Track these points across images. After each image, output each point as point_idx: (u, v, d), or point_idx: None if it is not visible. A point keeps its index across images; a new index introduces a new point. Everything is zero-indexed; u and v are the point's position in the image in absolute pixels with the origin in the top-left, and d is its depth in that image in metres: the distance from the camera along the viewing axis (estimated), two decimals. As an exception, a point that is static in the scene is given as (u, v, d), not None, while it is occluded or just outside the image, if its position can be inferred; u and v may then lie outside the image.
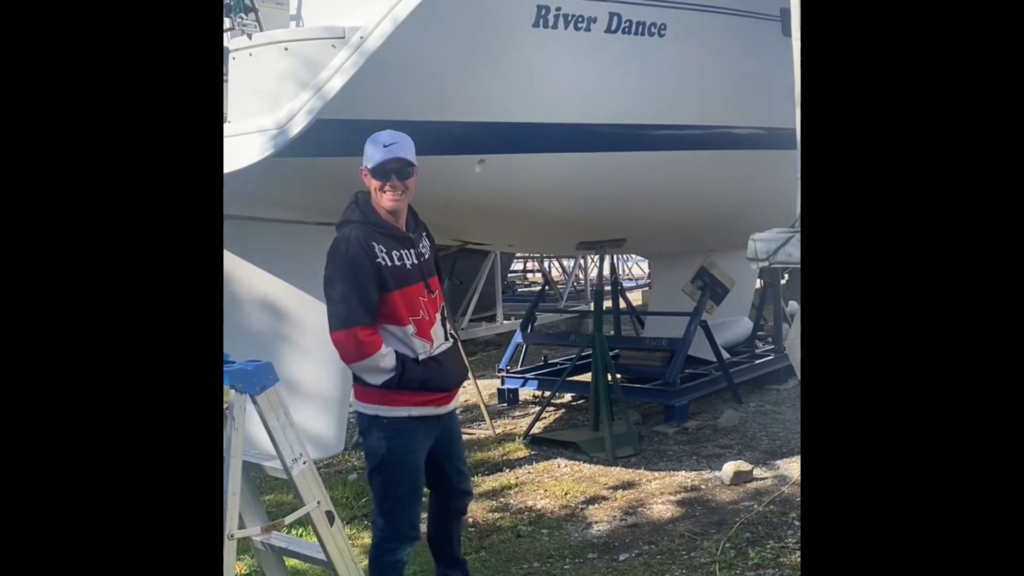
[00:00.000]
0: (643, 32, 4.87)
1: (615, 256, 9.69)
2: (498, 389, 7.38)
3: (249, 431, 2.74)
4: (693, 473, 5.20)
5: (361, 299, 2.94)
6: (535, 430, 6.16)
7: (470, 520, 4.53)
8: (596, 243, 6.25)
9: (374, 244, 2.99)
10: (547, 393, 6.87)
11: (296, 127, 4.08)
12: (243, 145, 4.13)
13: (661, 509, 4.63)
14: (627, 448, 5.65)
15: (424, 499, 3.27)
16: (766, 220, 3.83)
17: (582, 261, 13.11)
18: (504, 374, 7.29)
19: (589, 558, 4.06)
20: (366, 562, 3.23)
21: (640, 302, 11.18)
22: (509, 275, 13.64)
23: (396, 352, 3.00)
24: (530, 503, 4.84)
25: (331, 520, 2.84)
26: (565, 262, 14.29)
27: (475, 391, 6.37)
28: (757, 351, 7.89)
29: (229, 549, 2.60)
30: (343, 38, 4.09)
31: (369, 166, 3.04)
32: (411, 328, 3.03)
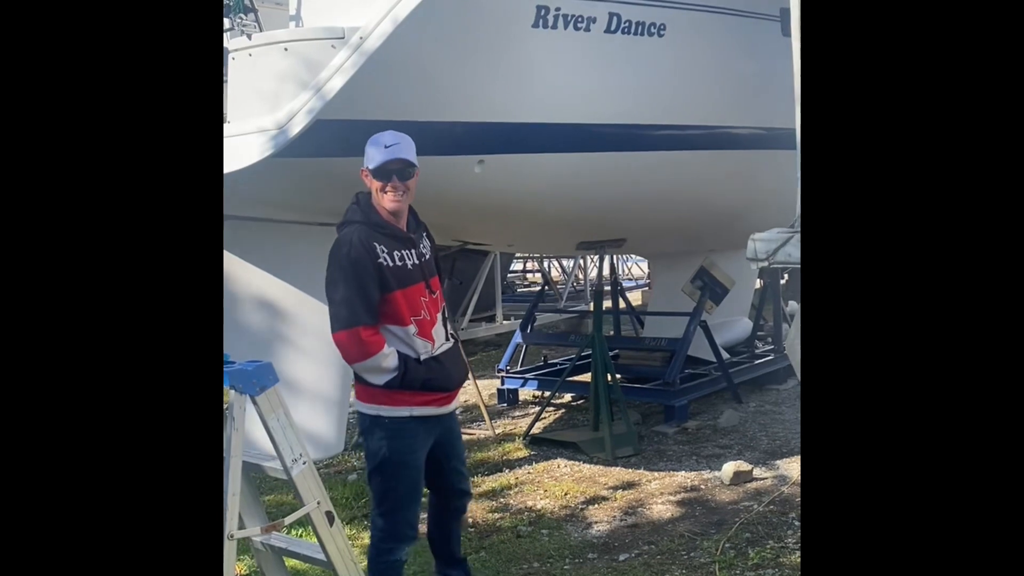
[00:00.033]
0: (643, 32, 4.87)
1: (615, 256, 9.68)
2: (498, 389, 7.38)
3: (249, 431, 2.74)
4: (693, 473, 5.20)
5: (363, 299, 2.94)
6: (535, 430, 6.16)
7: (470, 520, 4.53)
8: (596, 243, 6.25)
9: (376, 244, 2.99)
10: (547, 393, 6.87)
11: (296, 127, 4.08)
12: (243, 145, 4.13)
13: (661, 509, 4.63)
14: (627, 448, 5.65)
15: (424, 499, 3.28)
16: (766, 220, 3.83)
17: (582, 261, 13.11)
18: (504, 374, 7.29)
19: (589, 558, 4.06)
20: (366, 562, 3.24)
21: (640, 302, 11.18)
22: (509, 275, 13.64)
23: (398, 352, 3.01)
24: (530, 503, 4.84)
25: (331, 520, 2.84)
26: (565, 262, 14.29)
27: (475, 391, 6.37)
28: (757, 351, 7.89)
29: (229, 549, 2.60)
30: (343, 38, 4.09)
31: (370, 167, 3.05)
32: (413, 328, 3.04)
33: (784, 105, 3.67)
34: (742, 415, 6.45)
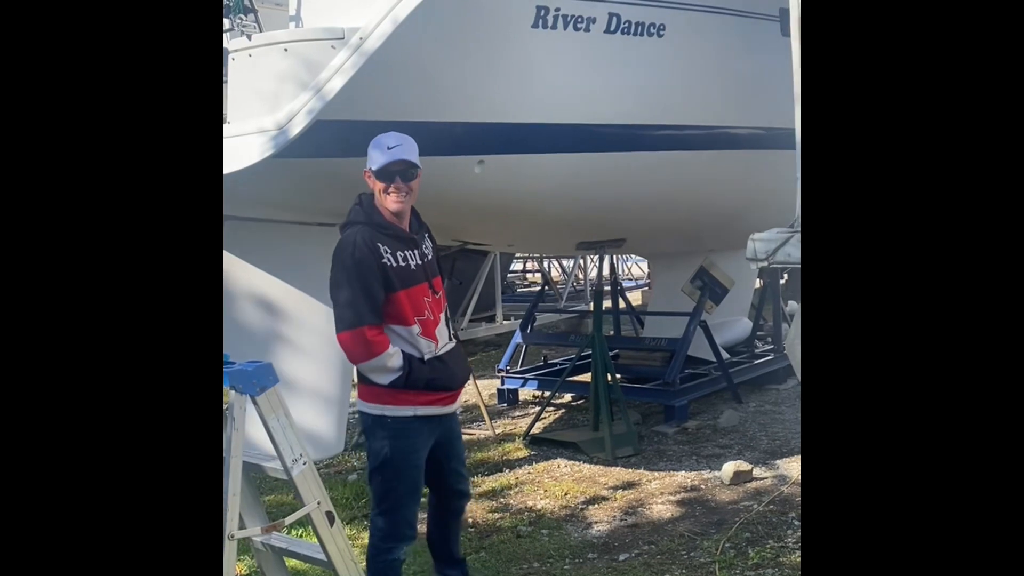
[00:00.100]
0: (642, 32, 4.87)
1: (614, 256, 9.69)
2: (498, 389, 7.38)
3: (249, 432, 2.74)
4: (693, 473, 5.21)
5: (368, 299, 2.96)
6: (535, 430, 6.16)
7: (470, 520, 4.54)
8: (596, 243, 6.25)
9: (379, 245, 3.01)
10: (547, 393, 6.87)
11: (296, 128, 4.08)
12: (243, 146, 4.13)
13: (661, 509, 4.63)
14: (627, 448, 5.65)
15: (423, 499, 3.28)
16: (765, 220, 3.83)
17: (581, 261, 13.11)
18: (504, 374, 7.29)
19: (589, 558, 4.06)
20: (365, 562, 3.24)
21: (640, 302, 11.18)
22: (509, 275, 13.64)
23: (402, 352, 3.02)
24: (530, 503, 4.84)
25: (331, 521, 2.84)
26: (564, 262, 14.29)
27: (475, 391, 6.37)
28: (756, 351, 7.89)
29: (229, 549, 2.60)
30: (343, 39, 4.09)
31: (373, 168, 3.06)
32: (416, 328, 3.05)
33: (783, 105, 3.67)
34: (742, 415, 6.45)
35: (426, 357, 3.07)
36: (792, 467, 5.15)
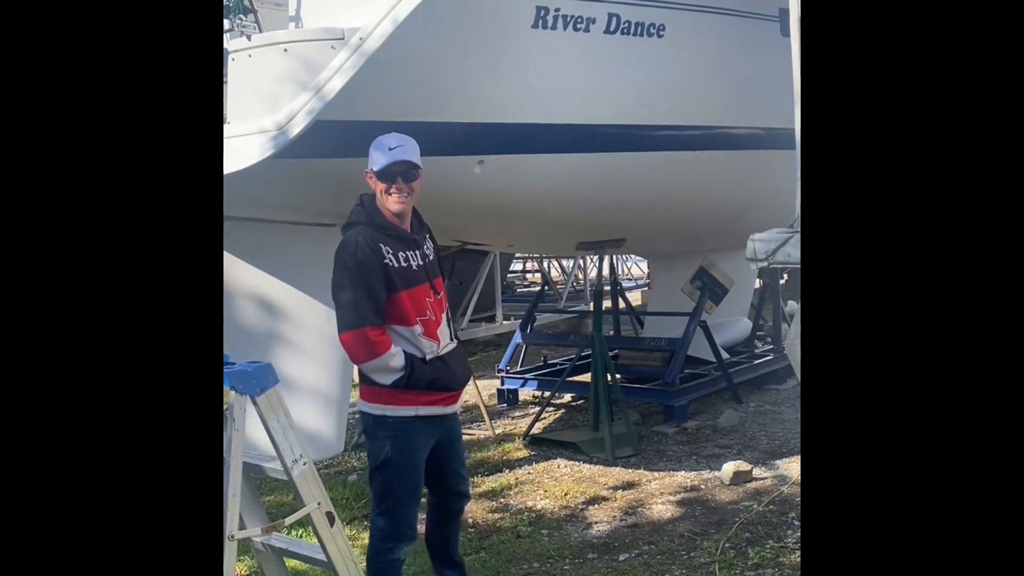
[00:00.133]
0: (642, 33, 4.88)
1: (614, 256, 9.68)
2: (498, 389, 7.38)
3: (249, 432, 2.74)
4: (693, 473, 5.21)
5: (370, 300, 2.97)
6: (535, 430, 6.16)
7: (470, 521, 4.54)
8: (596, 243, 6.25)
9: (381, 246, 3.02)
10: (547, 393, 6.88)
11: (296, 128, 4.08)
12: (243, 146, 4.13)
13: (661, 509, 4.63)
14: (627, 448, 5.65)
15: (422, 499, 3.28)
16: (765, 220, 3.84)
17: (581, 261, 13.11)
18: (504, 374, 7.29)
19: (589, 558, 4.06)
20: (365, 562, 3.24)
21: (639, 302, 11.18)
22: (508, 275, 13.63)
23: (404, 352, 3.03)
24: (530, 503, 4.84)
25: (331, 521, 2.84)
26: (564, 262, 14.29)
27: (475, 391, 6.37)
28: (756, 351, 7.89)
29: (230, 550, 2.60)
30: (342, 39, 4.09)
31: (375, 169, 3.07)
32: (418, 328, 3.06)
33: (783, 105, 3.68)
34: (742, 415, 6.46)
35: (428, 357, 3.09)
36: (792, 467, 5.15)
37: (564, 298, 11.95)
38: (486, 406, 6.46)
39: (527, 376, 7.18)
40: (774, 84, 4.89)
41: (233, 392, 2.68)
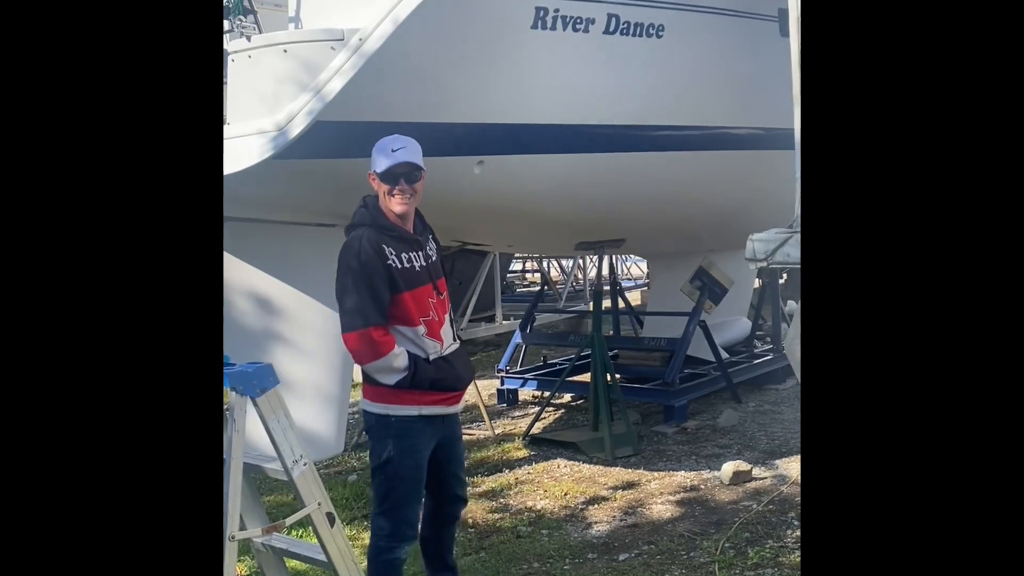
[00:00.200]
0: (641, 33, 4.88)
1: (614, 256, 9.69)
2: (497, 389, 7.38)
3: (249, 433, 2.75)
4: (692, 473, 5.21)
5: (374, 300, 2.98)
6: (535, 430, 6.17)
7: (470, 521, 4.54)
8: (595, 243, 6.25)
9: (384, 247, 3.04)
10: (546, 393, 6.88)
11: (296, 129, 4.08)
12: (243, 147, 4.13)
13: (660, 509, 4.64)
14: (626, 448, 5.66)
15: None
16: (764, 220, 3.84)
17: (581, 261, 13.12)
18: (503, 374, 7.29)
19: (589, 558, 4.06)
20: (366, 562, 3.24)
21: (639, 302, 11.19)
22: (508, 275, 13.64)
23: (408, 352, 3.04)
24: (530, 503, 4.84)
25: (331, 521, 2.84)
26: (564, 262, 14.29)
27: (474, 391, 6.37)
28: (756, 351, 7.89)
29: (230, 550, 2.61)
30: (342, 40, 4.09)
31: (378, 171, 3.09)
32: (422, 329, 3.07)
33: (782, 105, 3.68)
34: (741, 415, 6.46)
35: (431, 357, 3.10)
36: (791, 467, 5.16)
37: (564, 298, 11.96)
38: (486, 406, 6.47)
39: (527, 376, 7.19)
40: (773, 84, 4.89)
41: (233, 393, 2.68)
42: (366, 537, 4.10)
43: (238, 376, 2.67)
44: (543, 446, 5.95)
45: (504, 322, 9.79)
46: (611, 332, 7.70)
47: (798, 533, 4.08)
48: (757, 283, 8.68)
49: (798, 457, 5.08)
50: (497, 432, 6.34)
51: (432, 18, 4.13)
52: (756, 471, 5.08)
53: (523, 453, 5.83)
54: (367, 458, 3.20)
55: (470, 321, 9.44)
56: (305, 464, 2.79)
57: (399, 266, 3.04)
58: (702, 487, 4.95)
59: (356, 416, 6.41)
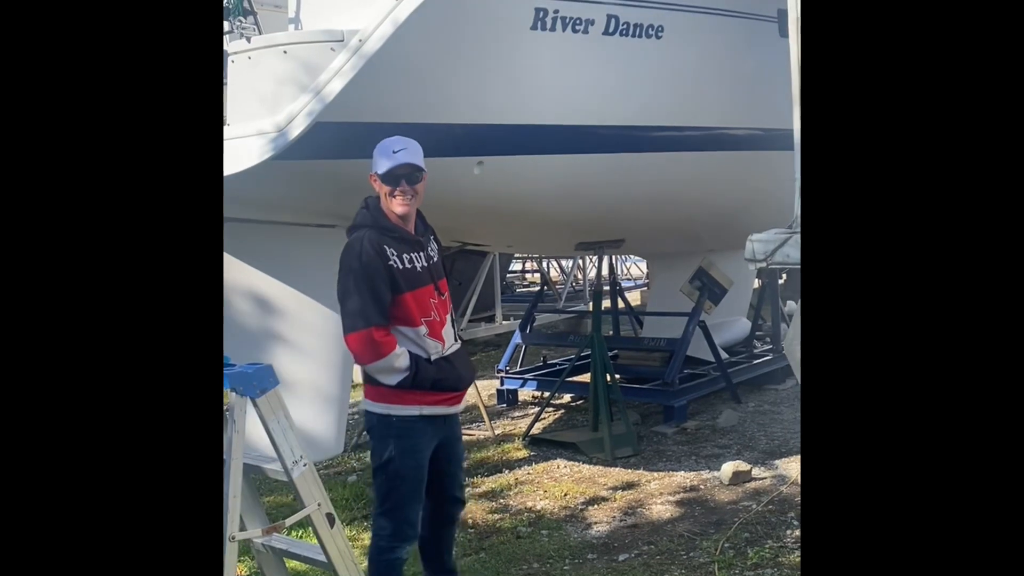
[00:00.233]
0: (641, 34, 4.88)
1: (613, 256, 9.69)
2: (497, 390, 7.39)
3: (249, 433, 2.75)
4: (692, 473, 5.21)
5: (375, 301, 3.00)
6: (534, 431, 6.17)
7: (469, 521, 4.54)
8: (595, 244, 6.26)
9: (386, 248, 3.05)
10: (546, 394, 6.88)
11: (295, 130, 4.08)
12: (242, 148, 4.13)
13: (660, 509, 4.64)
14: (626, 448, 5.66)
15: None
16: (763, 221, 3.84)
17: (580, 261, 13.12)
18: (503, 375, 7.30)
19: (589, 559, 4.07)
20: (367, 563, 3.24)
21: (639, 302, 11.19)
22: (508, 275, 13.64)
23: (409, 352, 3.05)
24: (530, 504, 4.84)
25: (331, 522, 2.84)
26: (564, 262, 14.30)
27: (474, 392, 6.37)
28: (755, 351, 7.90)
29: (230, 551, 2.61)
30: (342, 41, 4.09)
31: (379, 172, 3.10)
32: (423, 329, 3.09)
33: (781, 106, 3.69)
34: (741, 415, 6.46)
35: (433, 358, 3.11)
36: (791, 467, 5.16)
37: (563, 298, 11.97)
38: (485, 406, 6.47)
39: (526, 376, 7.19)
40: (772, 85, 4.90)
41: (233, 394, 2.69)
42: (366, 538, 4.11)
43: (238, 377, 2.67)
44: (543, 446, 5.96)
45: (504, 322, 9.79)
46: (611, 332, 7.71)
47: (798, 533, 4.08)
48: (756, 283, 8.68)
49: (798, 457, 5.09)
50: (497, 432, 6.34)
51: (432, 19, 4.14)
52: (756, 471, 5.08)
53: (523, 453, 5.84)
54: (367, 459, 3.21)
55: (470, 321, 9.44)
56: (305, 465, 2.79)
57: (401, 267, 3.06)
58: (702, 487, 4.95)
59: (356, 417, 6.42)
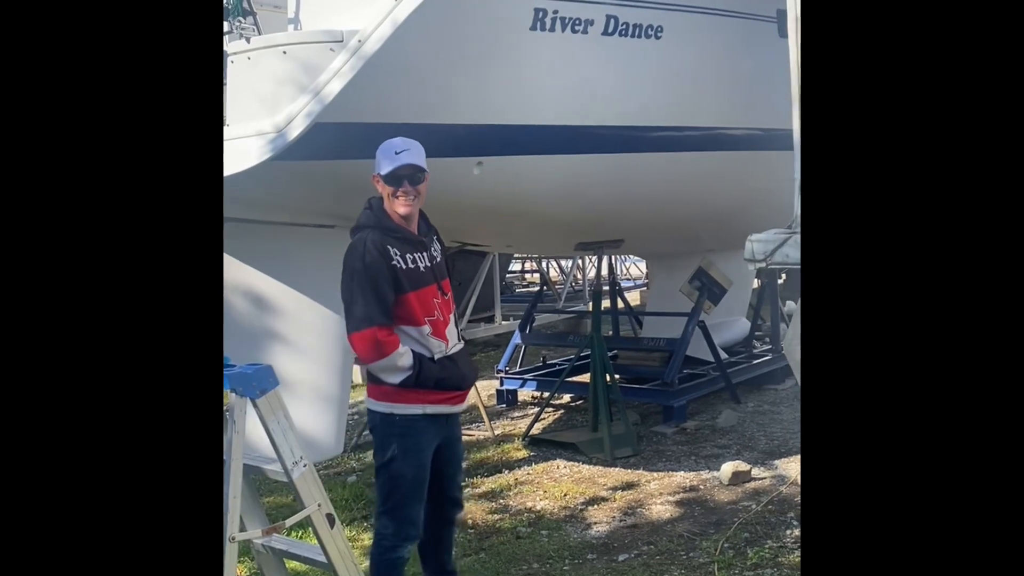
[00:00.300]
0: (640, 34, 4.88)
1: (613, 256, 9.69)
2: (497, 390, 7.39)
3: (249, 434, 2.75)
4: (692, 473, 5.21)
5: (378, 301, 3.01)
6: (534, 431, 6.17)
7: (469, 521, 4.54)
8: (594, 244, 6.26)
9: (389, 248, 3.06)
10: (546, 394, 6.88)
11: (295, 130, 4.08)
12: (242, 148, 4.13)
13: (660, 510, 4.64)
14: (626, 449, 5.66)
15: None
16: (763, 221, 3.84)
17: (580, 261, 13.13)
18: (503, 375, 7.30)
19: (588, 559, 4.07)
20: (367, 564, 3.25)
21: (638, 302, 11.19)
22: (507, 276, 13.65)
23: (412, 351, 3.06)
24: (529, 504, 4.85)
25: (331, 522, 2.84)
26: (563, 262, 14.31)
27: (474, 392, 6.37)
28: (755, 351, 7.90)
29: (230, 552, 2.61)
30: (341, 41, 4.10)
31: (381, 173, 3.11)
32: (427, 328, 3.10)
33: (781, 106, 3.68)
34: (740, 415, 6.46)
35: (436, 357, 3.12)
36: (790, 467, 5.16)
37: (563, 298, 11.97)
38: (485, 407, 6.47)
39: (526, 377, 7.19)
40: (771, 85, 4.90)
41: (233, 394, 2.69)
42: (366, 538, 4.11)
43: (238, 377, 2.67)
44: (542, 447, 5.96)
45: (503, 322, 9.80)
46: (610, 332, 7.71)
47: (797, 533, 4.08)
48: (756, 283, 8.68)
49: (797, 457, 5.09)
50: (496, 433, 6.34)
51: (431, 19, 4.14)
52: (755, 471, 5.09)
53: (523, 454, 5.84)
54: (367, 459, 3.21)
55: (469, 321, 9.44)
56: (305, 465, 2.79)
57: (404, 267, 3.07)
58: (701, 487, 4.95)
59: (356, 417, 6.42)
